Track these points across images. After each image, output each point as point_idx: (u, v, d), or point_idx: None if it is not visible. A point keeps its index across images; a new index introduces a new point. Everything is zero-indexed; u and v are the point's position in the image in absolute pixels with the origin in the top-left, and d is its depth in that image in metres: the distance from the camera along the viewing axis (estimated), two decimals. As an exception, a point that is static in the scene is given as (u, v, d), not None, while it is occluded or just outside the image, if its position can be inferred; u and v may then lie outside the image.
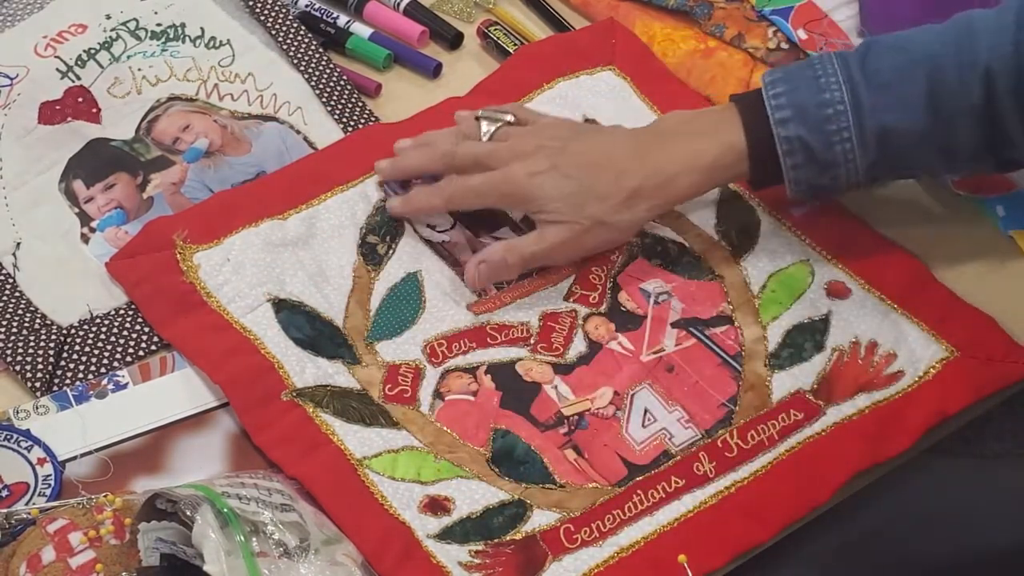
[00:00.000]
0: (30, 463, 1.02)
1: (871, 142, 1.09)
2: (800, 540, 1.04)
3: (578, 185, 1.10)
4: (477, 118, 1.16)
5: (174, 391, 1.07)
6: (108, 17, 1.28)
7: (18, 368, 1.07)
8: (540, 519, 1.02)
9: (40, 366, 1.07)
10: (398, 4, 1.34)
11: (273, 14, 1.29)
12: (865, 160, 1.10)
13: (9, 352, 1.08)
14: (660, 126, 1.16)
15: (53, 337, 1.09)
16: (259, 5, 1.30)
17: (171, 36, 1.28)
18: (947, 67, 1.08)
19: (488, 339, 1.11)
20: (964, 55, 1.08)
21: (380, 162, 1.18)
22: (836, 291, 1.15)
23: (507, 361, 1.10)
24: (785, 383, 1.10)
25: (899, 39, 1.13)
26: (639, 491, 1.03)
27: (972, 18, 1.11)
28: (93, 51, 1.26)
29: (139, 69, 1.26)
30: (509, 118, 1.15)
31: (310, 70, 1.27)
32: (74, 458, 1.03)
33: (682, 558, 1.00)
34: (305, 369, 1.07)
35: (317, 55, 1.28)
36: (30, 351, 1.08)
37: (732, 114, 1.12)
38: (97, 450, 1.04)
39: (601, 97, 1.26)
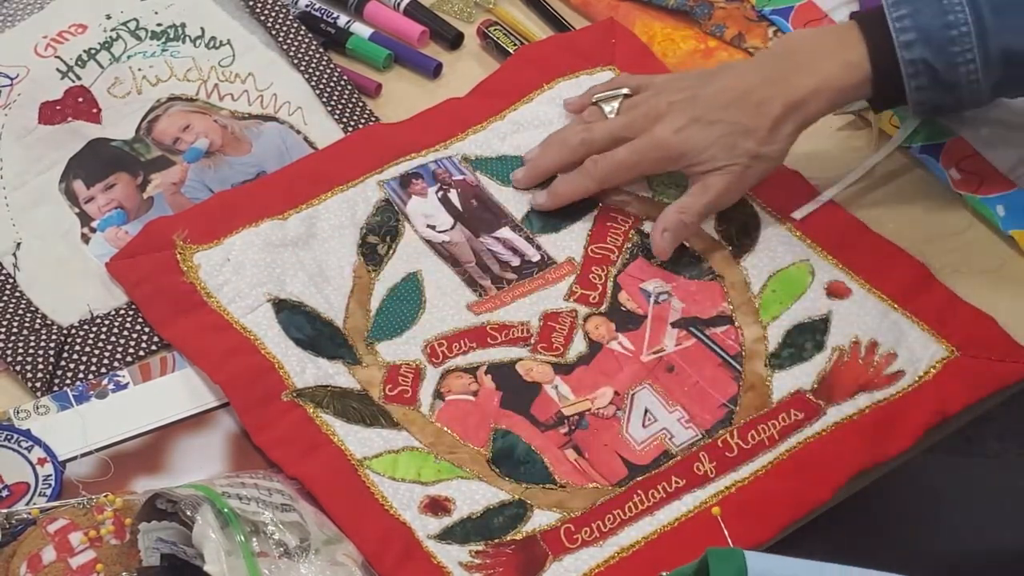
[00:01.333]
0: (30, 463, 1.02)
1: (995, 64, 1.10)
2: (800, 540, 1.04)
3: (724, 127, 1.12)
4: (594, 103, 1.18)
5: (174, 391, 1.07)
6: (108, 17, 1.28)
7: (18, 368, 1.07)
8: (540, 519, 1.02)
9: (40, 366, 1.07)
10: (398, 4, 1.34)
11: (273, 14, 1.29)
12: (989, 81, 1.11)
13: (9, 352, 1.08)
14: (783, 48, 1.17)
15: (53, 337, 1.09)
16: (259, 5, 1.30)
17: (171, 36, 1.28)
18: None
19: (488, 339, 1.11)
20: None
21: (516, 172, 1.19)
22: (836, 291, 1.15)
23: (507, 361, 1.10)
24: (785, 383, 1.10)
25: None
26: (639, 491, 1.04)
27: None
28: (93, 51, 1.26)
29: (139, 69, 1.26)
30: (625, 91, 1.18)
31: (310, 70, 1.27)
32: (74, 458, 1.03)
33: (716, 510, 1.01)
34: (305, 369, 1.07)
35: (317, 55, 1.28)
36: (30, 351, 1.08)
37: (855, 34, 1.13)
38: (97, 450, 1.04)
39: (601, 97, 1.26)
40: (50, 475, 1.01)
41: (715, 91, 1.13)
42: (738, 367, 1.11)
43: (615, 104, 1.17)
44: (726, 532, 1.00)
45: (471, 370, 1.10)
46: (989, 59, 1.10)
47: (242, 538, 0.91)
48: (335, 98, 1.25)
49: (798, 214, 1.19)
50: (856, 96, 1.14)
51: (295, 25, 1.29)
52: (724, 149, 1.12)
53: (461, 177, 1.21)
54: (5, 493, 1.01)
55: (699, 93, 1.14)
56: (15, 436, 1.03)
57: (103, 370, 1.08)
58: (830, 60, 1.12)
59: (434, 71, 1.30)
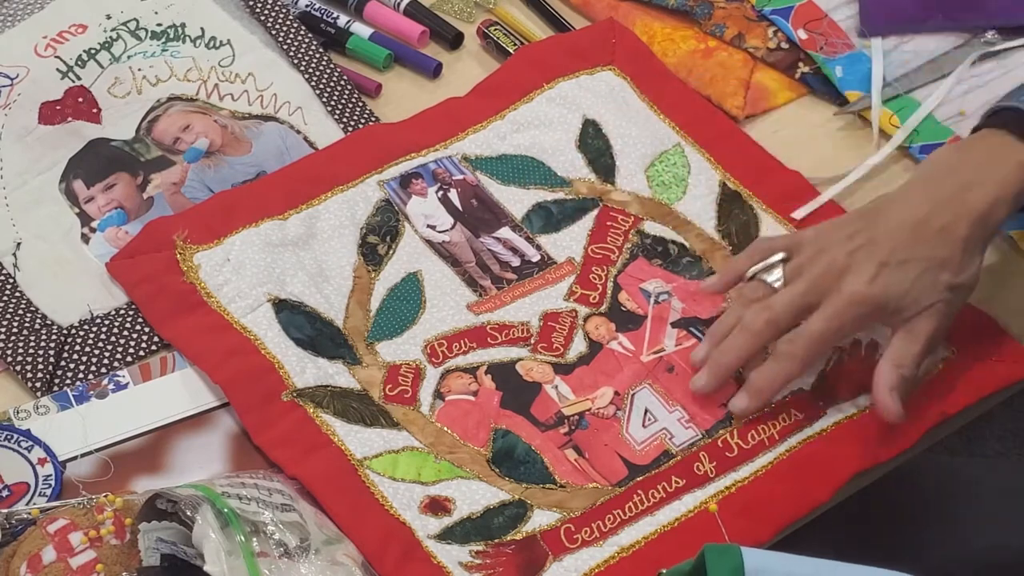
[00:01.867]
0: (31, 463, 1.02)
1: None
2: (800, 540, 1.04)
3: (919, 265, 1.03)
4: (751, 278, 1.08)
5: (174, 391, 1.07)
6: (108, 17, 1.28)
7: (18, 368, 1.07)
8: (540, 519, 1.02)
9: (40, 366, 1.07)
10: (398, 4, 1.34)
11: (273, 14, 1.29)
12: None
13: (9, 352, 1.08)
14: (941, 167, 1.08)
15: (53, 337, 1.09)
16: (259, 5, 1.30)
17: (171, 36, 1.28)
18: None
19: (488, 339, 1.11)
20: None
21: (697, 379, 1.07)
22: (836, 291, 1.15)
23: (507, 361, 1.10)
24: (785, 383, 1.10)
25: None
26: (639, 491, 1.04)
27: None
28: (93, 51, 1.26)
29: (139, 69, 1.26)
30: (781, 255, 1.07)
31: (310, 70, 1.27)
32: (75, 458, 1.03)
33: (712, 507, 1.01)
34: (305, 369, 1.07)
35: (317, 55, 1.28)
36: (30, 351, 1.08)
37: (1008, 138, 1.07)
38: (97, 450, 1.04)
39: (601, 97, 1.26)
40: (50, 475, 1.01)
41: (892, 229, 1.04)
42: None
43: (778, 272, 1.06)
44: (723, 529, 1.00)
45: (471, 370, 1.10)
46: None
47: (242, 538, 0.91)
48: (335, 98, 1.25)
49: (798, 214, 1.19)
50: None
51: (295, 25, 1.29)
52: (924, 289, 1.03)
53: (461, 177, 1.21)
54: (5, 493, 1.01)
55: (875, 235, 1.04)
56: (15, 436, 1.03)
57: (103, 370, 1.08)
58: (1000, 166, 1.06)
59: (434, 71, 1.30)
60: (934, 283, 1.03)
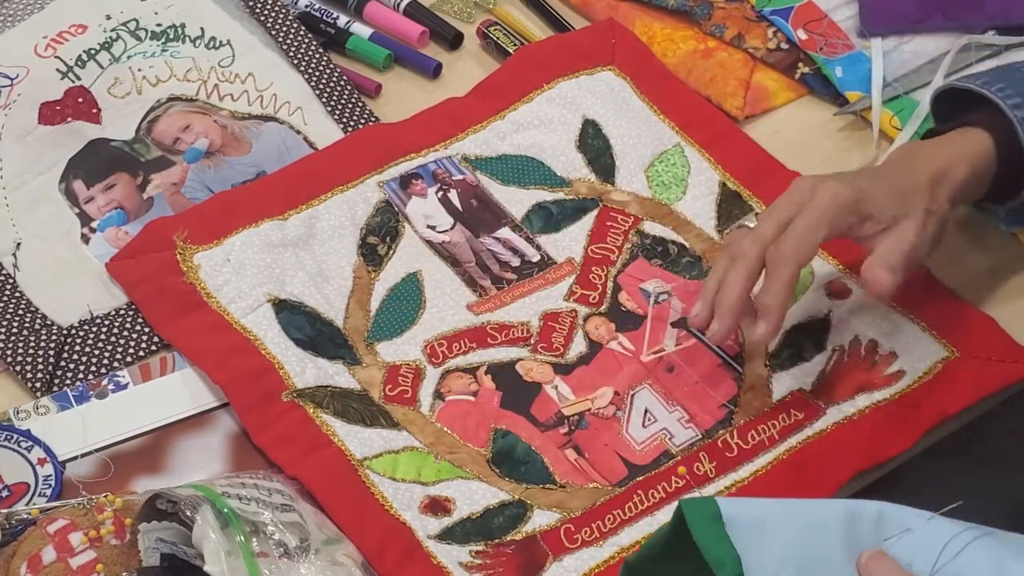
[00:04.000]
0: (30, 463, 1.02)
1: None
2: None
3: (891, 183, 1.05)
4: (731, 230, 1.13)
5: (174, 391, 1.07)
6: (108, 17, 1.28)
7: (18, 368, 1.07)
8: (540, 519, 1.02)
9: (40, 366, 1.07)
10: (398, 4, 1.34)
11: (273, 14, 1.29)
12: None
13: (9, 352, 1.08)
14: (900, 153, 1.12)
15: (53, 337, 1.09)
16: (259, 5, 1.30)
17: (171, 36, 1.28)
18: None
19: (488, 339, 1.11)
20: None
21: (712, 328, 1.04)
22: (836, 291, 1.15)
23: (507, 361, 1.10)
24: (785, 383, 1.10)
25: None
26: (639, 491, 1.04)
27: None
28: (93, 51, 1.26)
29: (139, 69, 1.26)
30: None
31: (310, 70, 1.27)
32: (74, 458, 1.03)
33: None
34: (305, 369, 1.07)
35: (317, 55, 1.28)
36: (30, 351, 1.08)
37: (959, 125, 1.10)
38: (97, 450, 1.04)
39: (601, 97, 1.26)
40: (50, 475, 1.01)
41: (857, 174, 1.08)
42: (738, 367, 1.11)
43: (753, 219, 1.08)
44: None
45: (471, 370, 1.10)
46: None
47: (242, 538, 0.91)
48: (335, 98, 1.25)
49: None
50: (985, 177, 1.09)
51: (295, 25, 1.29)
52: (899, 199, 1.04)
53: (461, 177, 1.21)
54: (5, 493, 1.01)
55: (841, 178, 1.07)
56: (15, 436, 1.03)
57: (103, 370, 1.08)
58: (953, 142, 1.09)
59: (434, 71, 1.30)
60: (908, 198, 1.04)
